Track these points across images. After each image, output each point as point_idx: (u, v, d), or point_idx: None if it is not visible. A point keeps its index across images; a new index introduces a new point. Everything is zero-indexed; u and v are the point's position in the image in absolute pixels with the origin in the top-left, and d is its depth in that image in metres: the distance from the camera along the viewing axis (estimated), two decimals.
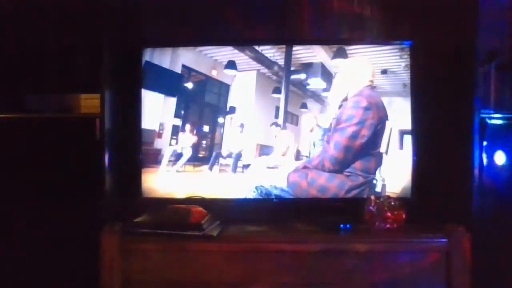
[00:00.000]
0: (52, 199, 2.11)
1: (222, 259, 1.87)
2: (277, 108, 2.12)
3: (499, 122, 2.06)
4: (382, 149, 2.07)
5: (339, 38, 2.17)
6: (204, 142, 2.15)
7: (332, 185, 2.06)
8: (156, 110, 2.14)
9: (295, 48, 2.11)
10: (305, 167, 2.10)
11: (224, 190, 2.11)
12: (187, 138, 2.13)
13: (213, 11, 2.19)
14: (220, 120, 2.15)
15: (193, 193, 2.10)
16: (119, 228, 1.90)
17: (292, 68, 2.11)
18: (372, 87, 2.06)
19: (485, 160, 2.02)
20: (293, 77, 2.11)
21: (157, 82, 2.12)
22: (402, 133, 2.07)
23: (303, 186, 2.07)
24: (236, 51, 2.11)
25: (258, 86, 2.13)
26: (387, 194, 2.03)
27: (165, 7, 2.19)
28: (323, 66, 2.10)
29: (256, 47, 2.11)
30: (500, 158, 2.05)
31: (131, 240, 1.89)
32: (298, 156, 2.11)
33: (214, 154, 2.14)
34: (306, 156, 2.12)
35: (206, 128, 2.15)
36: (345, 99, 2.08)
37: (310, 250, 1.86)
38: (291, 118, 2.13)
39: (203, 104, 2.17)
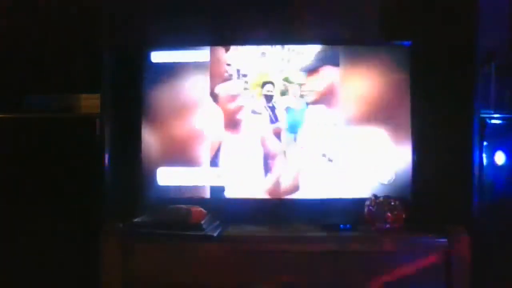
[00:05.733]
0: (52, 199, 2.10)
1: (222, 259, 1.87)
2: None
3: (499, 122, 2.06)
4: None
5: (339, 38, 2.16)
6: None
7: None
8: None
9: None
10: None
11: None
12: None
13: (214, 11, 2.19)
14: None
15: None
16: (119, 228, 1.90)
17: None
18: None
19: (485, 160, 2.01)
20: None
21: None
22: None
23: None
24: None
25: None
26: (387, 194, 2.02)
27: (166, 7, 2.18)
28: None
29: None
30: (500, 158, 2.05)
31: (131, 240, 1.89)
32: None
33: None
34: None
35: None
36: None
37: (310, 250, 1.86)
38: None
39: None
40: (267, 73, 2.12)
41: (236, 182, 2.12)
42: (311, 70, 2.11)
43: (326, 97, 2.10)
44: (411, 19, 2.14)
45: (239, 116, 2.12)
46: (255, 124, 2.12)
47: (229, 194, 2.11)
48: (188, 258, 1.87)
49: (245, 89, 2.12)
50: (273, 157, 2.11)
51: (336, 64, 2.10)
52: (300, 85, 2.11)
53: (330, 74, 2.10)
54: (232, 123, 2.12)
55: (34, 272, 2.09)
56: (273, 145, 2.11)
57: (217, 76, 2.12)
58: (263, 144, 2.12)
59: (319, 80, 2.11)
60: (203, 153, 2.12)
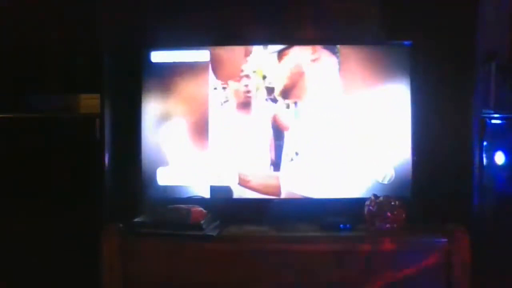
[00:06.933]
0: (52, 199, 2.10)
1: (222, 259, 1.87)
2: None
3: (499, 122, 2.06)
4: None
5: (339, 38, 2.16)
6: None
7: None
8: None
9: None
10: None
11: None
12: None
13: (215, 12, 2.19)
14: None
15: None
16: (119, 228, 1.90)
17: None
18: None
19: (485, 160, 2.02)
20: None
21: None
22: None
23: None
24: None
25: None
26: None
27: (166, 7, 2.18)
28: None
29: None
30: (500, 158, 2.05)
31: (131, 240, 1.89)
32: None
33: None
34: None
35: None
36: None
37: (310, 250, 1.86)
38: None
39: None
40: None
41: (235, 181, 2.12)
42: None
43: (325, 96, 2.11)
44: (411, 19, 2.14)
45: (238, 115, 2.13)
46: (252, 121, 2.13)
47: (229, 193, 2.11)
48: (188, 258, 1.87)
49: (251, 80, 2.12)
50: (271, 155, 2.12)
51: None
52: None
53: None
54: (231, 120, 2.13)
55: (34, 272, 2.10)
56: (271, 142, 2.12)
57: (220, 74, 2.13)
58: (259, 142, 2.12)
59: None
60: (203, 153, 2.12)
